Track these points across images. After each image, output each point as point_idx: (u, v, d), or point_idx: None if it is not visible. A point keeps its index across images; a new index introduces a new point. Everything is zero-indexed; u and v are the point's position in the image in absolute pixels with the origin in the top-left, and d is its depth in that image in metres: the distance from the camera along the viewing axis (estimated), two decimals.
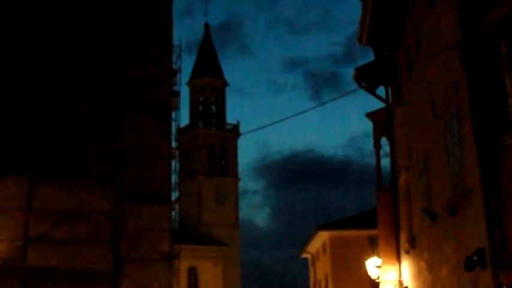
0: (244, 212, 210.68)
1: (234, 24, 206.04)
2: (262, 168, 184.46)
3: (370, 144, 23.00)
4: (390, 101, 21.35)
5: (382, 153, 22.84)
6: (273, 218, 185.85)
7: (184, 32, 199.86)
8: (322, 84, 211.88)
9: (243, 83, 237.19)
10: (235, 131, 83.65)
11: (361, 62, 21.97)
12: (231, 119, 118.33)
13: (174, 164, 23.11)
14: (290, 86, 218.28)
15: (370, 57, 21.72)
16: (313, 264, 56.98)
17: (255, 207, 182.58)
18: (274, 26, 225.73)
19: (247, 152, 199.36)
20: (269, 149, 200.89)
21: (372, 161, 22.94)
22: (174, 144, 22.60)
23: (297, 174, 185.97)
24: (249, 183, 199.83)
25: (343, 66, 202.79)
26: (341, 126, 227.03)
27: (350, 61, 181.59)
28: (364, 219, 44.08)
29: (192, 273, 72.88)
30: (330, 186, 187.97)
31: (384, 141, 22.62)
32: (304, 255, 59.19)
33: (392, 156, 21.44)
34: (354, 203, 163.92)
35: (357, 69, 20.66)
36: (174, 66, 22.39)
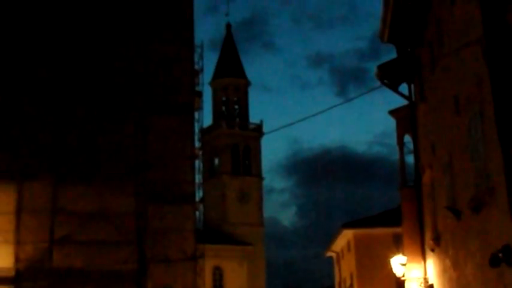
0: (270, 211, 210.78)
1: (258, 20, 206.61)
2: (291, 166, 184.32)
3: None
4: (413, 98, 21.26)
5: (406, 150, 22.76)
6: (300, 217, 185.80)
7: (208, 29, 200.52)
8: (348, 80, 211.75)
9: (268, 79, 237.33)
10: (258, 130, 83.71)
11: (387, 57, 21.94)
12: (255, 115, 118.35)
13: (198, 164, 23.19)
14: (315, 82, 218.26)
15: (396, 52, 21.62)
16: (338, 262, 56.90)
17: (281, 205, 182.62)
18: (298, 21, 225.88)
19: (276, 149, 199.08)
20: (299, 146, 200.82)
21: None
22: (197, 144, 22.68)
23: (326, 171, 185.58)
24: (276, 181, 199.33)
25: (369, 61, 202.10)
26: (371, 122, 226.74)
27: (376, 56, 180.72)
28: (389, 217, 43.94)
29: (217, 272, 73.06)
30: (360, 183, 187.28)
31: (407, 138, 22.54)
32: (329, 253, 59.10)
33: (416, 153, 21.34)
34: (384, 201, 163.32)
35: (379, 67, 20.59)
36: (196, 66, 22.45)
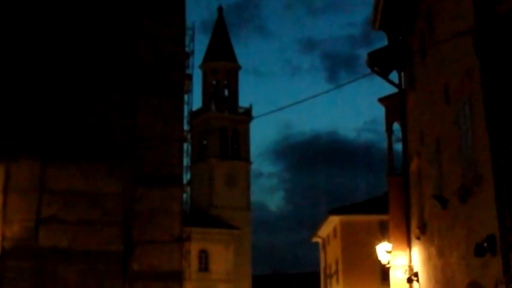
0: (258, 195, 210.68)
1: (250, 4, 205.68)
2: (280, 151, 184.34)
3: None
4: (403, 86, 21.29)
5: (394, 138, 22.82)
6: (288, 202, 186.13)
7: (200, 11, 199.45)
8: (339, 66, 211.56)
9: (259, 63, 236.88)
10: (247, 114, 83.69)
11: (379, 44, 21.93)
12: (245, 99, 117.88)
13: (186, 146, 23.15)
14: (306, 68, 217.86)
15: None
16: (324, 248, 57.09)
17: (269, 190, 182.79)
18: (290, 6, 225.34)
19: (266, 134, 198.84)
20: (289, 131, 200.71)
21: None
22: (186, 127, 22.62)
23: (315, 157, 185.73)
24: (265, 166, 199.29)
25: (361, 47, 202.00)
26: (362, 109, 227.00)
27: (368, 42, 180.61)
28: (376, 204, 44.12)
29: (203, 255, 73.20)
30: (348, 169, 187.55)
31: (396, 126, 22.58)
32: (315, 239, 59.28)
33: (405, 141, 21.40)
34: (371, 188, 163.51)
35: (370, 54, 20.59)
36: (187, 49, 22.36)
